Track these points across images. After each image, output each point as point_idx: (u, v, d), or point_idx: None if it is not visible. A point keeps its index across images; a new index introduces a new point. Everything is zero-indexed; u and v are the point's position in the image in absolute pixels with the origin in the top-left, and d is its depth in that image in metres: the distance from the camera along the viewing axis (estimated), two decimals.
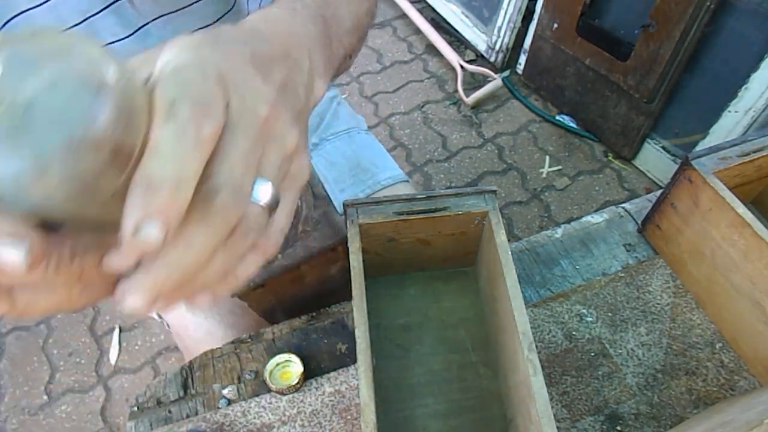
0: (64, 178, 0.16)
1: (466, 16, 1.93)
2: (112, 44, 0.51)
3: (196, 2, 0.53)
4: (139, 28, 0.51)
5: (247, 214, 0.22)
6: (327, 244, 0.47)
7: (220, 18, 0.57)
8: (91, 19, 0.49)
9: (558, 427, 0.36)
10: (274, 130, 0.23)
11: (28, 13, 0.46)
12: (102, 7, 0.49)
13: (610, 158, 1.67)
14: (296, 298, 0.54)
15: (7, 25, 0.48)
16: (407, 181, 0.79)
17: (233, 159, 0.21)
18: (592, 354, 0.52)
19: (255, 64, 0.24)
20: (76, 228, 0.19)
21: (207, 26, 0.54)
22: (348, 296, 0.42)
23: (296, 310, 0.55)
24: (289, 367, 0.50)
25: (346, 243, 0.45)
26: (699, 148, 1.14)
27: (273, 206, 0.23)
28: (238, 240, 0.22)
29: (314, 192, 0.50)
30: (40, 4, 0.47)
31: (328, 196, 0.50)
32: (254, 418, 0.48)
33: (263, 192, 0.22)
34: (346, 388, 0.50)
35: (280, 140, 0.24)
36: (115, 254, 0.19)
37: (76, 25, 0.49)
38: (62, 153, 0.16)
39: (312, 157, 0.76)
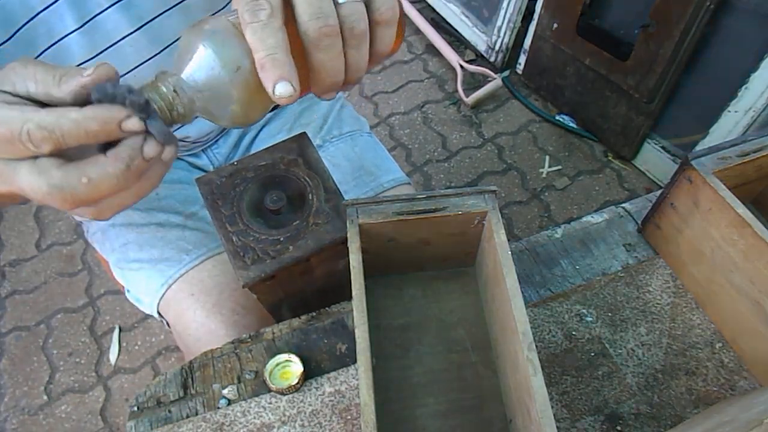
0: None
1: (466, 16, 1.93)
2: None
3: None
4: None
5: (345, 16, 0.31)
6: (337, 236, 0.48)
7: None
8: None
9: (558, 427, 0.36)
10: None
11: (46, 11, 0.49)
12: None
13: (610, 158, 1.67)
14: (304, 292, 0.54)
15: (26, 26, 0.49)
16: (409, 183, 0.79)
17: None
18: (592, 354, 0.52)
19: None
20: None
21: None
22: (350, 295, 0.42)
23: (302, 306, 0.55)
24: (289, 367, 0.50)
25: None
26: (699, 148, 1.14)
27: (367, 2, 0.32)
28: (353, 35, 0.31)
29: (325, 186, 0.51)
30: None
31: (338, 190, 0.50)
32: (254, 418, 0.48)
33: None
34: (346, 388, 0.50)
35: None
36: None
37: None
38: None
39: None
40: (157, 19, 0.56)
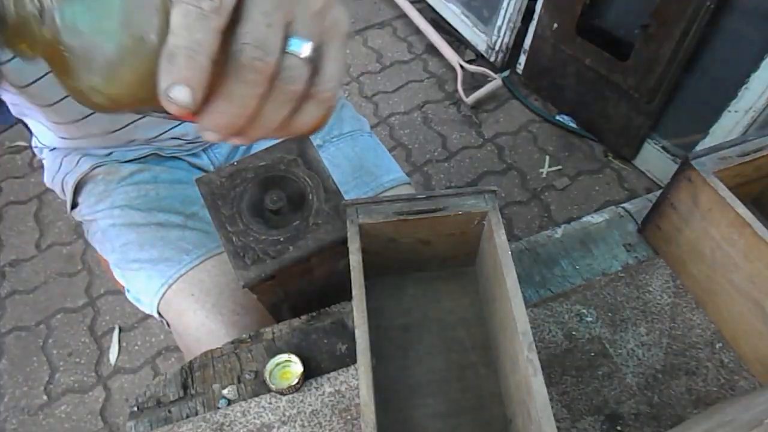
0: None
1: (466, 16, 1.93)
2: None
3: None
4: None
5: (285, 66, 0.25)
6: (337, 236, 0.48)
7: None
8: None
9: (558, 427, 0.36)
10: None
11: None
12: None
13: (610, 158, 1.67)
14: (304, 292, 0.54)
15: None
16: (409, 183, 0.79)
17: (255, 19, 0.24)
18: (592, 354, 0.52)
19: None
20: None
21: None
22: (350, 295, 0.42)
23: (302, 306, 0.55)
24: (289, 367, 0.50)
25: None
26: (699, 148, 1.14)
27: (314, 58, 0.27)
28: (282, 90, 0.26)
29: (325, 186, 0.51)
30: None
31: (338, 190, 0.51)
32: (254, 418, 0.48)
33: (298, 45, 0.26)
34: (346, 388, 0.50)
35: (304, 1, 0.26)
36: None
37: None
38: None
39: None
40: None
